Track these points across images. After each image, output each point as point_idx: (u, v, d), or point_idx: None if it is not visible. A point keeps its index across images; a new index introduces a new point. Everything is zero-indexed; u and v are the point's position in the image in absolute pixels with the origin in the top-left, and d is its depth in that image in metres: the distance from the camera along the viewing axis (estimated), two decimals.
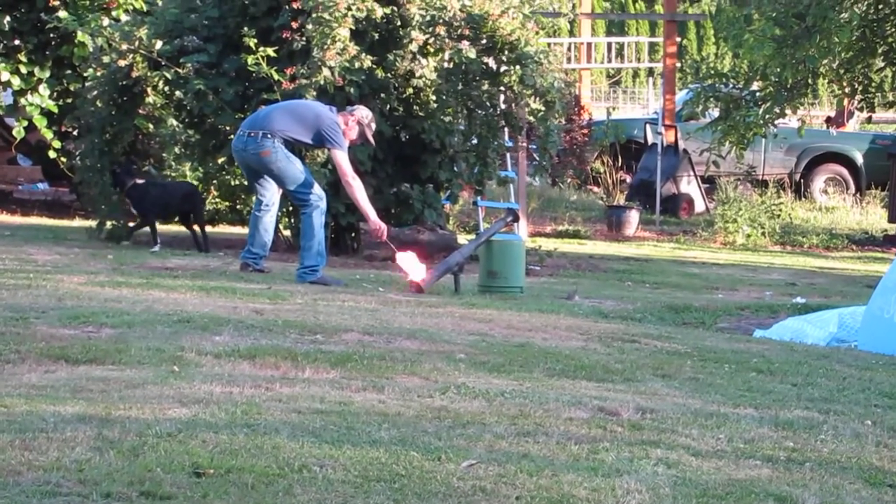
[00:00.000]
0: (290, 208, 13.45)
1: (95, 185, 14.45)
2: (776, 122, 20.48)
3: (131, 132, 14.85)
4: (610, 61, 36.99)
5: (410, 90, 14.03)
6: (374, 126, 11.70)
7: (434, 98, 14.08)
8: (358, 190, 11.18)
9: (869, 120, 26.84)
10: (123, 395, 6.00)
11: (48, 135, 16.95)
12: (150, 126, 15.28)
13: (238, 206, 16.74)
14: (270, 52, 13.32)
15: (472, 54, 13.61)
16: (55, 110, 16.90)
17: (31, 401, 5.74)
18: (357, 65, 13.19)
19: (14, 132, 17.62)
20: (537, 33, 14.57)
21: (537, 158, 15.58)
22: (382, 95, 13.84)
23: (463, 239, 14.61)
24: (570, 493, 4.76)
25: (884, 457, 5.64)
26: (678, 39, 28.33)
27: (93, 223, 14.93)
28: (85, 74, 15.19)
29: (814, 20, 18.74)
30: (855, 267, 17.62)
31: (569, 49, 30.94)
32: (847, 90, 21.71)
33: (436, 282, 11.14)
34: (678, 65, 30.05)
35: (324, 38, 13.07)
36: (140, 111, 14.82)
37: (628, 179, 24.51)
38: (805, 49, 18.94)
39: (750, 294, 13.39)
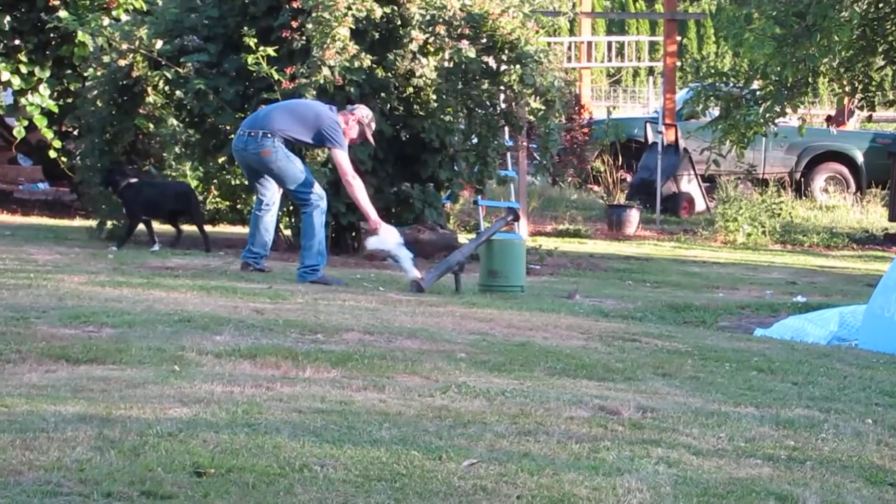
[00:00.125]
0: (291, 208, 13.45)
1: (96, 184, 14.46)
2: (776, 120, 20.48)
3: (132, 132, 14.85)
4: (610, 60, 36.99)
5: (410, 89, 14.03)
6: (374, 125, 11.70)
7: (434, 97, 14.09)
8: (358, 189, 11.18)
9: (869, 119, 26.80)
10: (124, 394, 6.00)
11: (48, 134, 16.95)
12: (151, 126, 15.27)
13: (238, 206, 16.74)
14: (270, 51, 13.33)
15: (472, 53, 13.61)
16: (55, 110, 16.90)
17: (31, 400, 5.74)
18: (357, 64, 13.19)
19: (14, 132, 17.62)
20: (537, 32, 14.57)
21: (538, 158, 15.58)
22: (382, 95, 13.84)
23: (463, 238, 14.61)
24: (571, 492, 4.76)
25: (885, 455, 5.64)
26: (678, 38, 28.32)
27: (93, 223, 14.94)
28: (85, 74, 15.19)
29: (814, 19, 18.75)
30: (855, 266, 17.62)
31: (569, 48, 30.94)
32: (847, 89, 21.71)
33: (436, 281, 11.14)
34: (678, 64, 30.04)
35: (323, 37, 13.08)
36: (140, 111, 14.81)
37: (629, 178, 24.50)
38: (805, 48, 18.94)
39: (750, 293, 13.39)
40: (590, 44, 31.84)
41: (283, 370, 6.79)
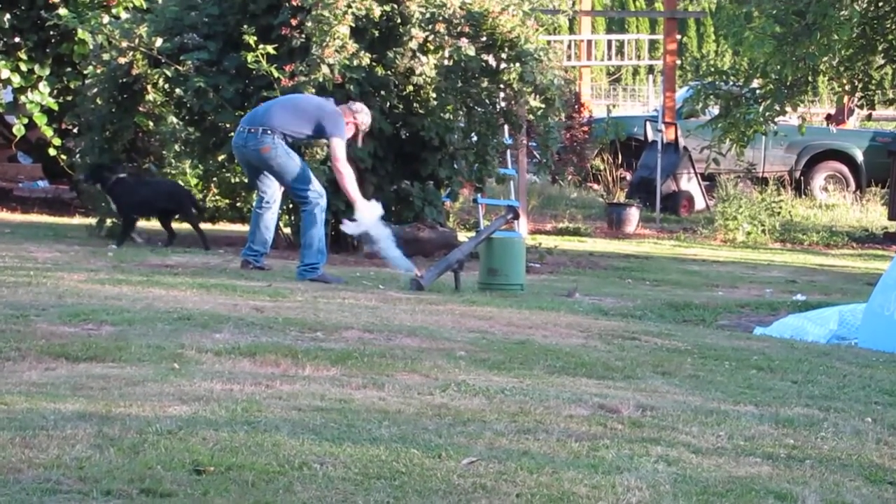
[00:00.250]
0: (291, 206, 13.45)
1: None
2: (776, 119, 20.48)
3: (131, 130, 14.83)
4: (610, 59, 36.96)
5: (410, 88, 14.03)
6: (367, 130, 11.75)
7: (434, 95, 14.08)
8: (347, 177, 11.20)
9: (869, 117, 26.86)
10: (124, 392, 6.00)
11: (48, 132, 16.94)
12: (151, 123, 15.25)
13: (238, 204, 16.74)
14: (270, 49, 13.33)
15: (472, 52, 13.61)
16: (55, 108, 16.89)
17: (31, 398, 5.74)
18: (356, 62, 13.19)
19: (14, 130, 17.61)
20: (537, 31, 14.56)
21: (538, 156, 15.57)
22: (382, 93, 13.84)
23: (463, 236, 14.60)
24: (570, 490, 4.76)
25: (884, 454, 5.64)
26: (678, 37, 28.30)
27: (93, 221, 14.94)
28: (85, 72, 15.18)
29: (814, 17, 18.75)
30: (855, 264, 17.62)
31: (569, 46, 30.92)
32: (847, 87, 21.71)
33: (436, 279, 11.14)
34: (678, 62, 30.01)
35: (323, 35, 13.08)
36: (140, 109, 14.79)
37: (628, 177, 24.50)
38: (805, 46, 18.95)
39: (750, 291, 13.38)
40: (590, 42, 31.82)
41: (282, 368, 6.79)
